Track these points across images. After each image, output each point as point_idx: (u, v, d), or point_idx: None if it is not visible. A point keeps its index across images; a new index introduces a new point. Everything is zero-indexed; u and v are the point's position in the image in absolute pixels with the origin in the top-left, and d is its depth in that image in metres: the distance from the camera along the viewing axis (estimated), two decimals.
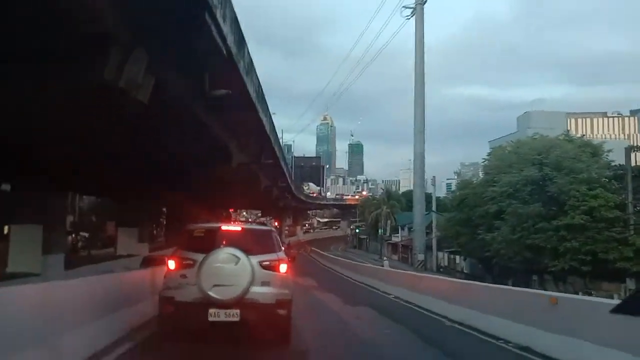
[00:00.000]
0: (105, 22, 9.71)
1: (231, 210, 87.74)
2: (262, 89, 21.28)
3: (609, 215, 27.35)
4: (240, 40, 14.70)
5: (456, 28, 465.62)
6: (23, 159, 17.52)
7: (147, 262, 17.55)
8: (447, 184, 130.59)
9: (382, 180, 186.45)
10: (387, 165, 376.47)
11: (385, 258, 62.22)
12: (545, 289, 27.92)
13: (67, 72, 10.19)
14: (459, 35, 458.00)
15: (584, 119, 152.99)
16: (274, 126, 27.78)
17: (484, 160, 40.43)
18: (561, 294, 8.81)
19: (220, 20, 11.23)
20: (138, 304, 9.15)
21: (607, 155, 32.91)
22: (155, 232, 58.87)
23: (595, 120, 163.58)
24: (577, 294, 23.41)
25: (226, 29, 12.22)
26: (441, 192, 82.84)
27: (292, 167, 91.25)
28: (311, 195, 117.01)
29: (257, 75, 19.75)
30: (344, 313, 13.35)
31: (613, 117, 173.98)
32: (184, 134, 18.18)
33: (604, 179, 30.01)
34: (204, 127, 18.34)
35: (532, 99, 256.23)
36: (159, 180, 25.38)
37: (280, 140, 45.62)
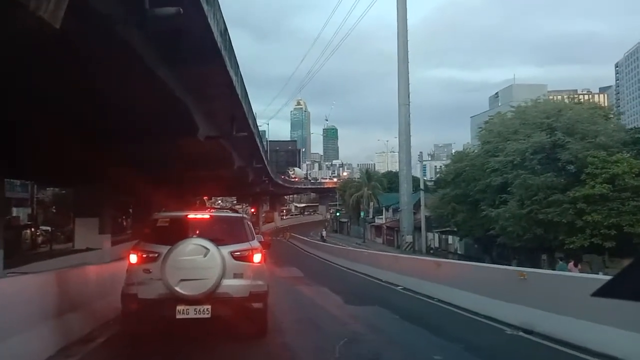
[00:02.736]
0: None
1: (205, 198, 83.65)
2: (229, 37, 17.20)
3: (633, 183, 23.99)
4: None
5: (426, 11, 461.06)
6: None
7: None
8: (422, 165, 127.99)
9: (358, 164, 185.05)
10: (362, 149, 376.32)
11: (324, 229, 61.93)
12: (554, 270, 24.74)
13: None
14: (427, 19, 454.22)
15: (554, 97, 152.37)
16: (246, 92, 23.55)
17: (480, 129, 36.81)
18: None
19: None
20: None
21: (618, 118, 29.70)
22: (125, 223, 55.12)
23: (566, 98, 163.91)
24: (598, 274, 20.20)
25: None
26: (417, 174, 79.92)
27: (267, 152, 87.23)
28: (293, 179, 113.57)
29: (223, 18, 15.70)
30: (352, 320, 9.46)
31: (583, 94, 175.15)
32: (127, 86, 14.01)
33: (620, 144, 26.72)
34: (155, 79, 14.19)
35: (501, 80, 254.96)
36: (109, 155, 21.06)
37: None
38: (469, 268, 12.06)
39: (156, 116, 17.79)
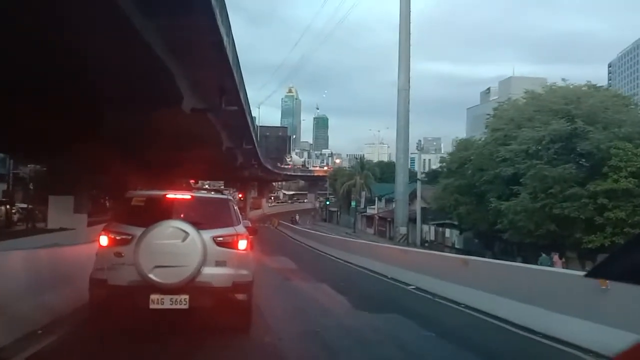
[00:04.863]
0: None
1: (192, 181, 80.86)
2: None
3: None
4: None
5: (422, 4, 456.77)
6: None
7: None
8: (410, 158, 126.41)
9: (347, 155, 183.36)
10: (352, 140, 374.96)
11: (296, 214, 72.50)
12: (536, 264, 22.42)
13: None
14: (423, 12, 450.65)
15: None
16: (238, 60, 21.09)
17: (488, 116, 34.54)
18: None
19: None
20: None
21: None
22: (107, 204, 52.95)
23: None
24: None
25: None
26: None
27: (258, 135, 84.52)
28: (288, 166, 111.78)
29: None
30: (375, 336, 7.18)
31: None
32: (97, 36, 11.57)
33: None
34: (131, 29, 11.76)
35: (495, 75, 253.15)
36: (78, 125, 18.55)
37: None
38: (518, 270, 9.70)
39: (133, 78, 15.34)
